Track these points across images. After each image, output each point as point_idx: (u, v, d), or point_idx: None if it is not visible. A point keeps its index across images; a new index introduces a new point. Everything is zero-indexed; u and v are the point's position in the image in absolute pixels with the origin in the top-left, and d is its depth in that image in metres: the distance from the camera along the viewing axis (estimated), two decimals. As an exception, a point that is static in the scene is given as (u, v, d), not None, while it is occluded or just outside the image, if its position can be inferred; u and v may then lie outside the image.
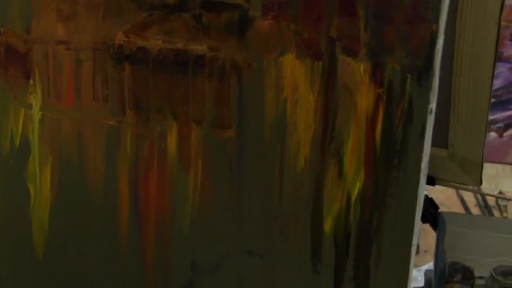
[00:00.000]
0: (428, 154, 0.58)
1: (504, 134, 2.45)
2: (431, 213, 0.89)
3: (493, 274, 0.81)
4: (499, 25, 0.67)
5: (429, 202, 0.89)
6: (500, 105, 2.41)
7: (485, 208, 1.09)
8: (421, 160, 0.57)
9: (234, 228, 0.66)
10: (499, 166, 2.31)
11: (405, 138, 0.57)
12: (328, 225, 0.62)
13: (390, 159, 0.58)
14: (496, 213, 1.08)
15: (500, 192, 1.12)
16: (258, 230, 0.65)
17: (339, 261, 0.62)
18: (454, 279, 0.82)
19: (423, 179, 0.58)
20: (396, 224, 0.59)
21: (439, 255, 0.79)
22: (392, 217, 0.59)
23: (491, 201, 1.12)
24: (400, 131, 0.57)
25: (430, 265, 0.89)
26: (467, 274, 0.83)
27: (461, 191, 1.11)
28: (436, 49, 0.54)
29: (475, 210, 1.10)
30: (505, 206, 1.10)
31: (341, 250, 0.62)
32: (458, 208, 1.10)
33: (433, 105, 0.56)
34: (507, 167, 2.34)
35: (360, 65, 0.57)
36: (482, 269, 0.83)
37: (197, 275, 0.68)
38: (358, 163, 0.59)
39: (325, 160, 0.60)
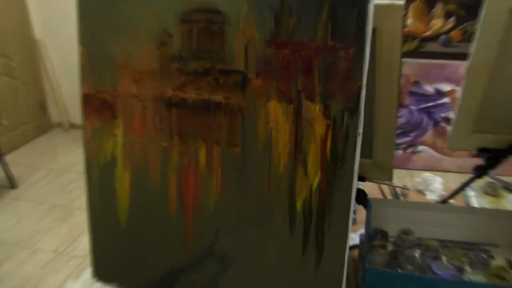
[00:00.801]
0: (358, 161, 0.56)
1: (407, 151, 2.49)
2: (363, 198, 0.86)
3: (399, 234, 0.81)
4: (399, 84, 0.66)
5: (362, 192, 0.87)
6: (404, 133, 2.47)
7: (395, 195, 1.07)
8: (354, 165, 0.55)
9: (241, 209, 0.64)
10: (403, 171, 2.45)
11: (344, 151, 0.55)
12: (299, 206, 0.60)
13: (336, 164, 0.56)
14: (401, 198, 1.07)
15: (404, 185, 1.10)
16: (256, 209, 0.63)
17: (306, 226, 0.60)
18: (376, 238, 0.82)
19: (356, 177, 0.56)
20: (340, 204, 0.57)
21: (367, 224, 0.78)
22: (338, 200, 0.57)
23: (398, 191, 1.10)
24: (341, 147, 0.55)
25: (362, 230, 0.87)
26: (384, 235, 0.83)
27: (381, 185, 1.10)
28: (361, 96, 0.53)
29: (389, 197, 1.08)
30: (407, 194, 1.09)
31: (307, 220, 0.60)
32: (379, 196, 1.08)
33: (360, 130, 0.55)
34: (408, 171, 2.43)
35: (316, 106, 0.56)
36: (392, 231, 0.83)
37: (219, 238, 0.66)
38: (316, 167, 0.57)
39: (296, 165, 0.59)
